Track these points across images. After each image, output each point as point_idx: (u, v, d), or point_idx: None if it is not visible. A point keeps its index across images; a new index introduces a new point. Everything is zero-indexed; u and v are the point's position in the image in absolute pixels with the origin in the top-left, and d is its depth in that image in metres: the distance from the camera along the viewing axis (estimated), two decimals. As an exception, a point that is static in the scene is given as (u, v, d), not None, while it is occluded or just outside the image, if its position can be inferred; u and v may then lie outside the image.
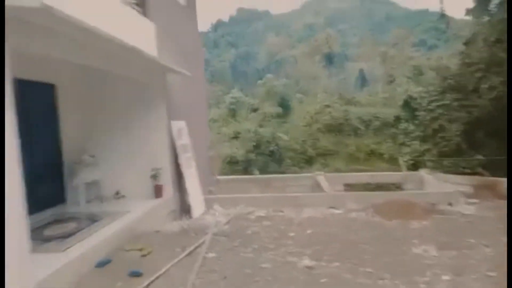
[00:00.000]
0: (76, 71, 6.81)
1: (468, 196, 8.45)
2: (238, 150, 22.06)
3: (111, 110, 7.17)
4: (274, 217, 6.87)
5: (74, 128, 6.92)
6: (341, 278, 4.15)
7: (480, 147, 15.10)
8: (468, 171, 13.52)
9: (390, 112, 24.21)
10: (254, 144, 22.35)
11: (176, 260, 4.67)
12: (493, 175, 10.82)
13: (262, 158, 21.87)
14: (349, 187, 11.14)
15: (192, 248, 5.10)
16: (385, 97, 26.78)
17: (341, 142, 23.44)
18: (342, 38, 44.12)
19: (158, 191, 6.91)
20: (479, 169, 13.78)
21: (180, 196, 7.69)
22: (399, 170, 20.76)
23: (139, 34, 5.30)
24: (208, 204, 8.02)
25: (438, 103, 15.81)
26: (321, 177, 10.50)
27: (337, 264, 4.55)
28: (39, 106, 6.17)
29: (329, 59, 38.52)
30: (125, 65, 5.73)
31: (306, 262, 4.60)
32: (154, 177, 6.91)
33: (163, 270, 4.35)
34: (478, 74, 14.25)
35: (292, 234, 5.73)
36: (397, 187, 10.64)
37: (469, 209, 7.19)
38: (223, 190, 10.71)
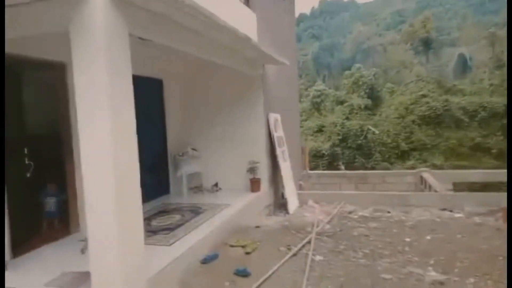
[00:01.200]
0: (179, 65, 6.93)
1: None
2: (323, 144, 21.36)
3: (212, 102, 7.19)
4: (381, 217, 6.21)
5: (178, 121, 7.08)
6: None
7: None
8: None
9: (499, 101, 21.18)
10: (340, 137, 21.41)
11: (283, 260, 4.37)
12: None
13: (349, 152, 20.88)
14: (458, 186, 9.84)
15: (297, 248, 4.76)
16: (493, 84, 23.50)
17: (440, 136, 21.22)
18: (437, 22, 39.97)
19: (255, 185, 6.74)
20: None
21: (275, 190, 7.46)
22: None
23: (243, 23, 5.10)
24: (302, 199, 7.66)
25: None
26: (427, 174, 9.42)
27: (472, 280, 3.80)
28: (150, 100, 6.41)
29: (426, 44, 35.16)
30: (229, 56, 5.59)
31: (433, 274, 3.94)
32: (252, 170, 6.75)
33: (271, 271, 4.07)
34: None
35: (408, 239, 5.05)
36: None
37: None
38: (314, 185, 10.28)
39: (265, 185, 6.89)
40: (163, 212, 5.75)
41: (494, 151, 19.33)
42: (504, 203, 6.68)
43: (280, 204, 7.25)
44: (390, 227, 5.61)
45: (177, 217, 5.40)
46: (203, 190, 6.96)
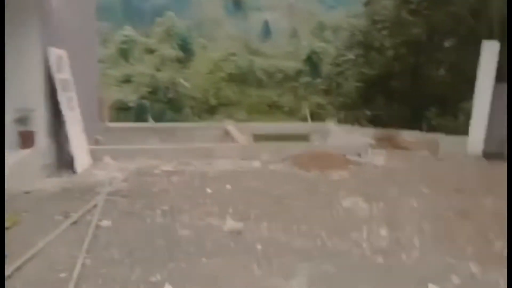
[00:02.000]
0: None
1: (373, 147, 8.71)
2: (129, 95, 19.76)
3: None
4: (184, 171, 5.85)
5: None
6: (276, 241, 3.48)
7: (371, 102, 16.13)
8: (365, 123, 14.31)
9: (292, 66, 24.33)
10: (150, 89, 20.26)
11: (56, 232, 3.39)
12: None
13: (158, 106, 20.06)
14: (258, 138, 10.65)
15: (79, 214, 3.83)
16: (289, 51, 26.72)
17: (244, 93, 22.88)
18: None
19: (26, 139, 5.19)
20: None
21: (58, 146, 6.02)
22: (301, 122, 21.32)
23: None
24: (96, 156, 6.53)
25: (344, 58, 16.14)
26: (231, 127, 9.71)
27: (265, 224, 3.86)
28: None
29: (236, 5, 36.59)
30: None
31: (231, 223, 3.80)
32: (21, 121, 5.13)
33: (37, 248, 3.06)
34: (384, 32, 14.77)
35: (209, 190, 4.84)
36: (305, 139, 10.54)
37: (379, 160, 7.25)
38: (115, 140, 9.10)
39: (42, 139, 5.40)
40: None
41: (286, 108, 22.27)
42: (290, 152, 7.52)
43: (66, 162, 5.92)
44: (193, 180, 5.31)
45: None
46: None
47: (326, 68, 18.21)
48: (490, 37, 9.54)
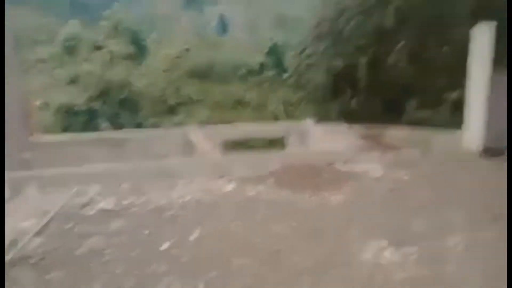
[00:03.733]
0: None
1: (361, 149, 7.57)
2: (77, 98, 17.54)
3: None
4: (131, 207, 4.25)
5: None
6: None
7: (340, 95, 15.12)
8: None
9: (255, 60, 22.87)
10: (100, 90, 18.09)
11: None
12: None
13: (111, 108, 17.94)
14: (228, 144, 9.15)
15: None
16: (249, 44, 25.21)
17: (206, 90, 21.10)
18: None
19: None
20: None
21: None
22: (268, 120, 20.01)
23: None
24: (17, 186, 4.78)
25: (309, 50, 14.96)
26: (194, 133, 8.13)
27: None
28: None
29: (192, 0, 34.52)
30: None
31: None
32: None
33: None
34: (353, 22, 13.71)
35: (165, 245, 3.28)
36: (281, 144, 9.18)
37: (375, 169, 6.00)
38: (48, 159, 7.24)
39: None
40: None
41: (252, 104, 20.83)
42: (270, 164, 6.10)
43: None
44: (143, 225, 3.72)
45: None
46: None
47: (292, 61, 16.97)
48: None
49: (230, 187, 4.90)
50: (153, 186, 5.03)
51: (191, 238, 3.40)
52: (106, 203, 4.30)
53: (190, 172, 5.64)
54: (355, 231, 3.53)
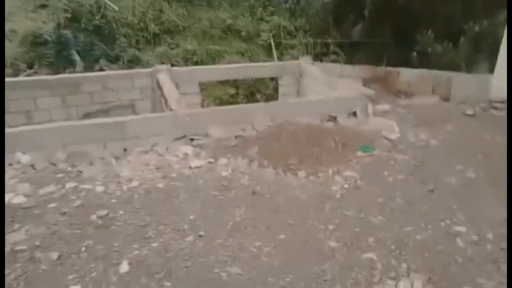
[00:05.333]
0: None
1: (368, 97, 6.25)
2: (45, 25, 15.43)
3: None
4: (55, 198, 3.04)
5: None
6: None
7: (343, 23, 13.32)
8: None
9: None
10: (70, 15, 15.88)
11: None
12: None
13: (84, 37, 15.87)
14: (206, 86, 7.74)
15: None
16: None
17: (192, 16, 18.73)
18: None
19: None
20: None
21: None
22: (259, 52, 18.22)
23: None
24: None
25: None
26: (164, 75, 6.66)
27: None
28: None
29: None
30: None
31: None
32: None
33: None
34: None
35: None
36: (273, 87, 7.77)
37: (390, 129, 4.77)
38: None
39: None
40: None
41: (243, 33, 18.71)
42: (253, 119, 4.82)
43: None
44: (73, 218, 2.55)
45: None
46: None
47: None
48: None
49: (199, 161, 3.67)
50: (104, 149, 3.82)
51: (124, 268, 2.25)
52: (24, 197, 3.08)
53: (150, 131, 4.40)
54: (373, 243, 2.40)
